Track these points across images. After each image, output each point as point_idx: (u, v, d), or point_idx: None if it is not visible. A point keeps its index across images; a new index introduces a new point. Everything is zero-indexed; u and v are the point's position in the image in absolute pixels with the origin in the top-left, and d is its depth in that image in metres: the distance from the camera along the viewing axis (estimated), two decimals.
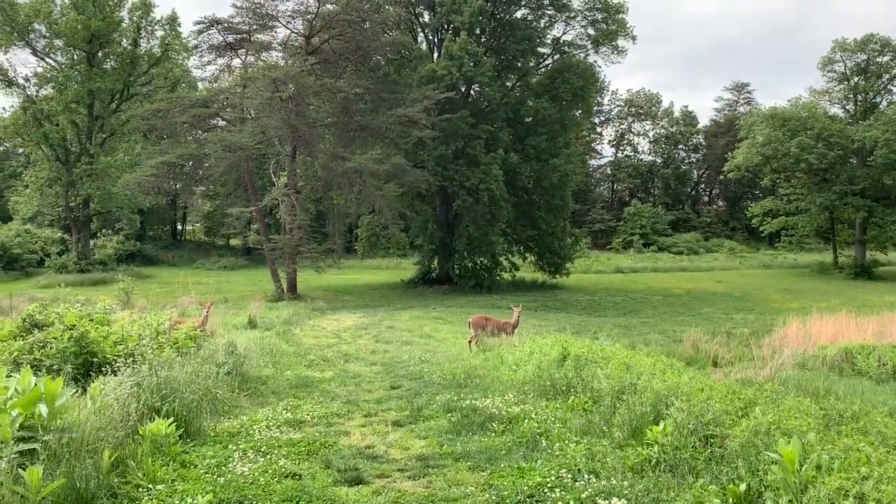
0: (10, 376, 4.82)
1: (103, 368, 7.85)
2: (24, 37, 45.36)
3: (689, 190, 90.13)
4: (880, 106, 54.32)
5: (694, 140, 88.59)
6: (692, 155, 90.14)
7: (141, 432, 5.52)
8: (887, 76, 53.90)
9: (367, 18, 34.47)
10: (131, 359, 8.43)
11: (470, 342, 13.79)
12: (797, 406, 5.14)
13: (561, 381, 8.00)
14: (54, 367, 8.29)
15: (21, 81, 47.39)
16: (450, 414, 7.74)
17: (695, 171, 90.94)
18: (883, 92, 54.87)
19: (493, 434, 6.85)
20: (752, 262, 63.30)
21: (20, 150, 59.01)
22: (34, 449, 4.27)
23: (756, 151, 51.42)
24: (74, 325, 9.22)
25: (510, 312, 14.89)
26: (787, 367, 15.48)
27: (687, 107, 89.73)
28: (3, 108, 71.75)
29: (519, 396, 8.19)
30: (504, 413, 7.47)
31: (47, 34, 46.36)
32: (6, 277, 42.98)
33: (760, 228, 58.68)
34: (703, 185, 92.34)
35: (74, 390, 5.03)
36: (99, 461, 4.59)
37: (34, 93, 48.32)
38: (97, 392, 5.63)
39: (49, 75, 47.68)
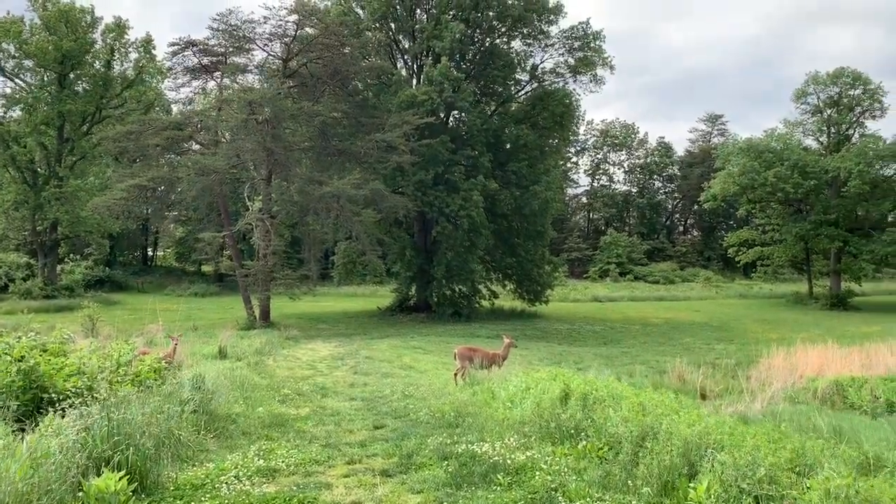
0: None
1: (56, 405, 7.01)
2: None
3: (664, 219, 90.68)
4: (853, 138, 55.07)
5: (669, 170, 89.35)
6: (667, 185, 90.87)
7: (85, 489, 4.66)
8: (859, 109, 54.70)
9: (347, 43, 34.05)
10: (90, 394, 7.59)
11: (456, 375, 13.01)
12: (849, 457, 4.47)
13: (568, 423, 7.20)
14: None
15: None
16: (445, 462, 6.87)
17: (670, 201, 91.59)
18: (855, 125, 55.61)
19: (498, 488, 6.01)
20: (729, 291, 63.47)
21: None
22: None
23: (733, 181, 51.71)
24: (23, 357, 8.36)
25: (497, 342, 14.18)
26: (777, 400, 14.96)
27: (663, 138, 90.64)
28: None
29: (521, 440, 7.35)
30: (508, 461, 6.64)
31: (16, 54, 45.24)
32: None
33: (736, 258, 58.89)
34: (678, 215, 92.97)
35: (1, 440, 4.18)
36: None
37: (1, 114, 47.04)
38: (35, 440, 4.79)
39: (18, 96, 46.45)
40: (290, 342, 24.20)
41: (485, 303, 40.29)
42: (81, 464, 5.01)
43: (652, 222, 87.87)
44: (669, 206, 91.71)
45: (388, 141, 31.92)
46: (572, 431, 7.07)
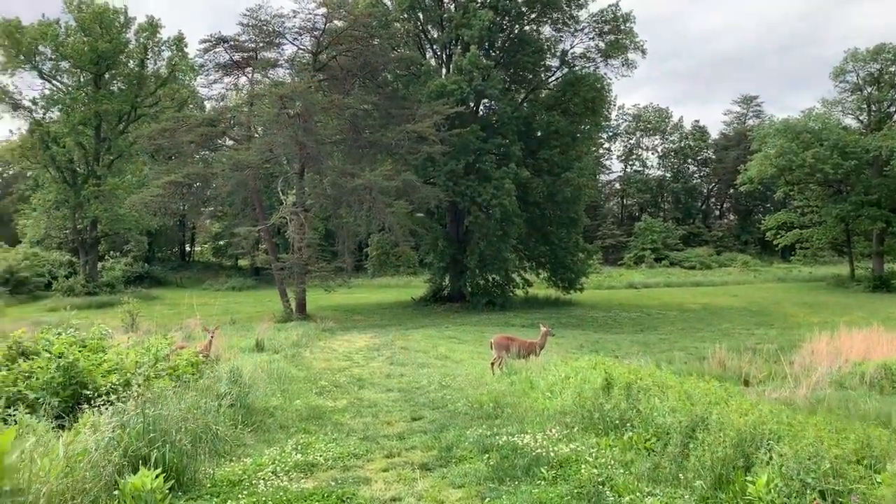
0: None
1: (94, 402, 7.03)
2: (30, 59, 45.07)
3: (699, 204, 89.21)
4: (895, 116, 53.34)
5: (704, 154, 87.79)
6: (702, 169, 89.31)
7: (120, 487, 4.58)
8: None
9: (375, 35, 33.94)
10: (125, 390, 7.61)
11: (493, 364, 12.83)
12: None
13: (612, 414, 6.95)
14: (39, 400, 7.47)
15: (27, 104, 47.07)
16: (486, 455, 6.66)
17: (705, 185, 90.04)
18: None
19: (543, 482, 5.77)
20: (767, 275, 62.18)
21: (28, 174, 58.80)
22: None
23: (769, 163, 50.47)
24: (63, 354, 8.40)
25: (532, 331, 13.97)
26: (823, 385, 14.50)
27: (698, 121, 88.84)
28: (11, 132, 71.88)
29: (563, 431, 7.13)
30: (552, 454, 6.39)
31: (53, 56, 46.05)
32: (14, 301, 42.39)
33: (775, 242, 57.61)
34: (713, 199, 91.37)
35: (32, 440, 4.10)
36: None
37: (41, 115, 47.94)
38: (70, 437, 4.73)
39: (56, 97, 47.32)
40: (326, 334, 24.29)
41: (519, 291, 40.00)
42: (117, 462, 4.94)
43: (687, 207, 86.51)
44: (705, 191, 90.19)
45: (419, 131, 31.74)
46: (617, 422, 6.82)
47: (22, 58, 44.65)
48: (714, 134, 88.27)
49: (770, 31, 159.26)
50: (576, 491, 5.44)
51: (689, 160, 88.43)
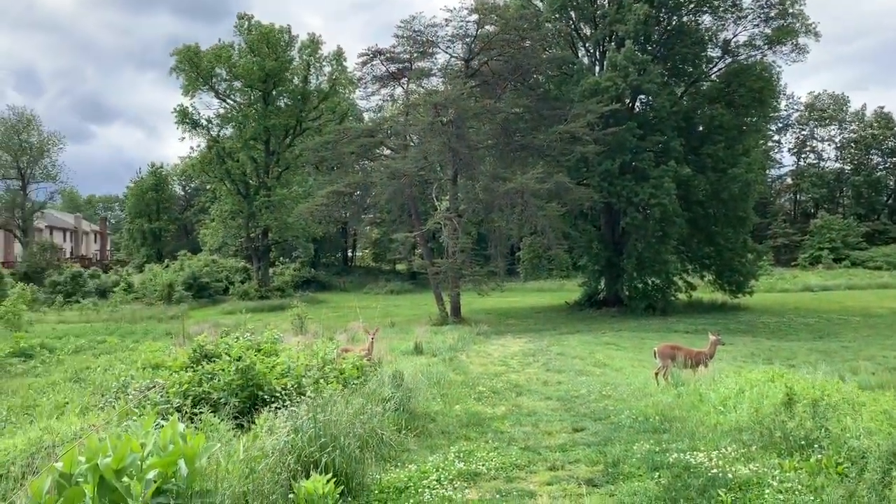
0: (159, 425, 4.29)
1: (269, 405, 7.47)
2: (208, 81, 49.29)
3: (885, 198, 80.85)
4: None
5: (890, 143, 79.46)
6: (888, 159, 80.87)
7: (295, 490, 4.77)
8: None
9: (527, 37, 33.85)
10: (297, 392, 8.02)
11: (657, 374, 12.25)
12: None
13: (796, 433, 6.31)
14: (221, 400, 8.03)
15: (205, 123, 51.50)
16: (656, 473, 6.28)
17: (891, 178, 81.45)
18: None
19: None
20: None
21: (207, 187, 64.31)
22: None
23: None
24: (241, 357, 9.00)
25: (695, 337, 13.18)
26: None
27: (883, 107, 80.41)
28: (191, 148, 79.14)
29: (739, 450, 6.58)
30: (729, 475, 5.91)
31: (227, 77, 50.09)
32: (196, 304, 46.52)
33: None
34: None
35: (217, 445, 4.34)
36: None
37: (216, 132, 52.30)
38: (249, 440, 4.98)
39: (229, 115, 51.45)
40: (480, 338, 24.39)
41: (681, 295, 38.17)
42: (291, 466, 5.15)
43: (871, 202, 78.68)
44: (892, 183, 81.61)
45: (572, 132, 31.28)
46: (802, 442, 6.17)
47: (201, 80, 48.96)
48: None
49: None
50: None
51: (873, 150, 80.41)
